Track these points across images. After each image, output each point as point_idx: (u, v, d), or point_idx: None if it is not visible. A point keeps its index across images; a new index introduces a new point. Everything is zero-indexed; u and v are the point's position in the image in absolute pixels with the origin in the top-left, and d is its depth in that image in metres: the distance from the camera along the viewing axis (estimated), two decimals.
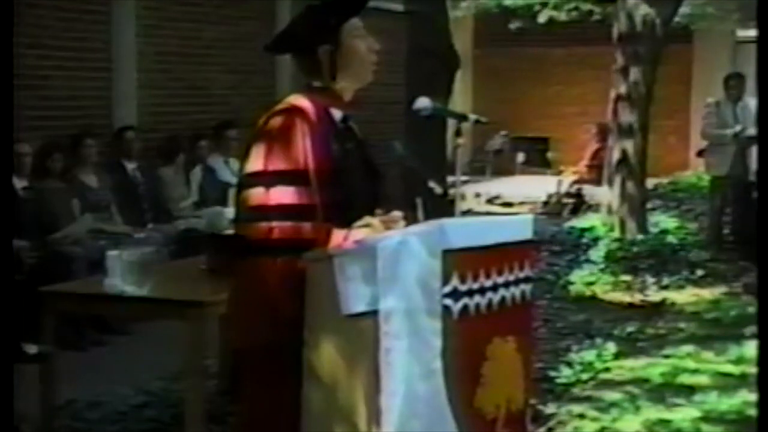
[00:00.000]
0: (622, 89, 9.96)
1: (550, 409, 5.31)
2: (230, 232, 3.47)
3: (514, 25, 14.29)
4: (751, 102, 9.71)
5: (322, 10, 3.19)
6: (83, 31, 8.68)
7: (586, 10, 13.08)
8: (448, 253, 2.78)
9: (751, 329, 6.34)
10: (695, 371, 6.06)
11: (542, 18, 13.54)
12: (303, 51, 3.21)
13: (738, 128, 9.55)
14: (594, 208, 11.85)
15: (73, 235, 7.01)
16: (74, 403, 5.33)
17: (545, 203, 13.18)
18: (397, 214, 3.17)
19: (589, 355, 6.30)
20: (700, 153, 10.55)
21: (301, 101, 3.12)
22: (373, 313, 2.78)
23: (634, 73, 9.88)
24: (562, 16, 13.43)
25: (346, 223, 3.01)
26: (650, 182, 10.98)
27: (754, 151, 9.21)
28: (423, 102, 3.42)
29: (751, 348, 5.99)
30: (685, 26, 13.66)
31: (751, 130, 9.25)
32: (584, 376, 5.94)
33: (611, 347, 6.50)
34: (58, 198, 7.20)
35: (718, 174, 9.84)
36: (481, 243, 2.90)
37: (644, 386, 5.76)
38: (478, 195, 13.76)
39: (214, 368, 5.31)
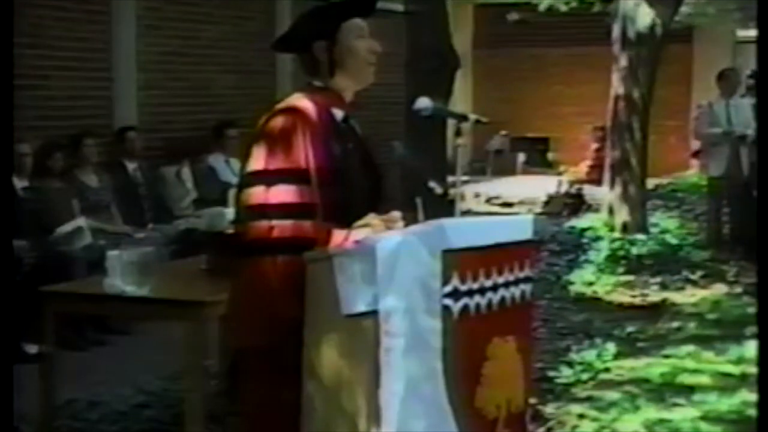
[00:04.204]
0: (622, 89, 9.96)
1: (550, 409, 5.31)
2: (230, 232, 3.47)
3: (511, 17, 14.25)
4: (744, 101, 9.74)
5: (327, 9, 3.19)
6: (83, 32, 8.68)
7: (587, 2, 13.06)
8: (448, 253, 2.78)
9: (751, 329, 6.34)
10: (695, 371, 6.06)
11: (543, 6, 13.54)
12: (301, 49, 3.22)
13: (729, 128, 9.56)
14: (594, 208, 11.86)
15: (72, 241, 7.01)
16: (74, 403, 5.33)
17: (545, 203, 13.18)
18: (396, 214, 3.18)
19: (589, 355, 6.31)
20: (696, 154, 10.57)
21: (303, 101, 3.12)
22: (374, 313, 2.78)
23: (634, 73, 9.88)
24: (562, 6, 13.43)
25: (347, 223, 3.01)
26: (650, 182, 10.98)
27: (749, 151, 9.24)
28: (423, 102, 3.42)
29: (751, 348, 5.99)
30: (685, 26, 13.66)
31: (745, 130, 9.28)
32: (584, 376, 5.94)
33: (611, 347, 6.50)
34: (58, 198, 7.20)
35: (715, 175, 9.86)
36: (481, 243, 2.90)
37: (644, 386, 5.76)
38: (477, 195, 13.76)
39: (214, 368, 5.31)
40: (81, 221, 7.15)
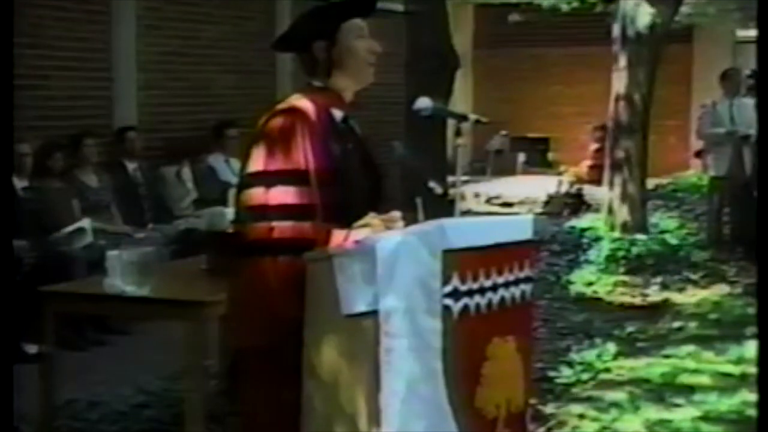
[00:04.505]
0: (622, 89, 9.95)
1: (550, 409, 5.31)
2: (230, 232, 3.47)
3: (512, 18, 14.23)
4: (747, 101, 9.74)
5: (327, 9, 3.19)
6: (83, 32, 8.68)
7: (589, 3, 13.07)
8: (448, 253, 2.78)
9: (752, 329, 6.34)
10: (695, 371, 6.07)
11: (546, 4, 13.55)
12: (300, 48, 3.22)
13: (732, 128, 9.57)
14: (594, 208, 11.85)
15: (72, 241, 7.00)
16: (74, 403, 5.33)
17: (545, 203, 13.18)
18: (396, 214, 3.18)
19: (589, 355, 6.31)
20: (698, 154, 10.57)
21: (302, 102, 3.12)
22: (374, 313, 2.78)
23: (634, 73, 9.87)
24: (564, 6, 13.43)
25: (347, 223, 3.01)
26: (650, 182, 10.98)
27: (752, 151, 9.24)
28: (423, 102, 3.42)
29: (751, 348, 5.99)
30: (685, 26, 13.66)
31: (748, 130, 9.28)
32: (584, 376, 5.94)
33: (611, 347, 6.50)
34: (58, 198, 7.20)
35: (717, 174, 9.86)
36: (481, 243, 2.89)
37: (644, 386, 5.77)
38: (477, 195, 13.76)
39: (214, 368, 5.32)
40: (85, 223, 7.14)
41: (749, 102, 9.66)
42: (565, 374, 5.93)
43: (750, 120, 9.26)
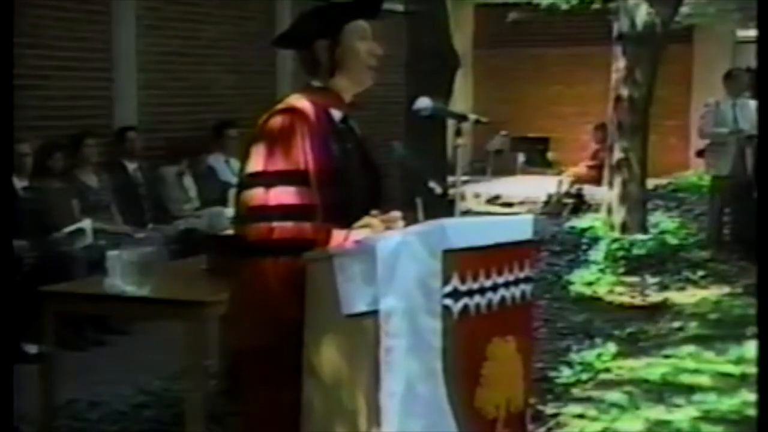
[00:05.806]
0: (622, 89, 9.96)
1: (550, 409, 5.31)
2: (230, 232, 3.47)
3: (511, 16, 14.25)
4: (751, 102, 9.73)
5: (331, 9, 3.19)
6: (83, 31, 8.68)
7: (588, 2, 13.07)
8: (448, 253, 2.78)
9: (752, 329, 6.34)
10: (695, 371, 6.06)
11: (544, 3, 13.56)
12: (302, 46, 3.21)
13: (735, 127, 9.57)
14: (594, 208, 11.86)
15: (72, 241, 7.00)
16: (74, 403, 5.33)
17: (545, 203, 13.18)
18: (396, 214, 3.18)
19: (589, 355, 6.31)
20: (700, 153, 10.56)
21: (301, 102, 3.12)
22: (374, 313, 2.78)
23: (634, 73, 9.88)
24: (563, 5, 13.44)
25: (347, 224, 3.01)
26: (650, 182, 10.98)
27: (754, 151, 9.24)
28: (423, 102, 3.42)
29: (751, 348, 5.99)
30: (685, 26, 13.67)
31: (752, 130, 9.27)
32: (584, 376, 5.94)
33: (611, 347, 6.50)
34: (58, 198, 7.20)
35: (719, 174, 9.86)
36: (481, 243, 2.89)
37: (644, 386, 5.76)
38: (478, 195, 13.76)
39: (214, 368, 5.32)
40: (86, 223, 7.14)
41: (752, 102, 9.66)
42: (565, 374, 5.93)
43: (753, 120, 9.26)
